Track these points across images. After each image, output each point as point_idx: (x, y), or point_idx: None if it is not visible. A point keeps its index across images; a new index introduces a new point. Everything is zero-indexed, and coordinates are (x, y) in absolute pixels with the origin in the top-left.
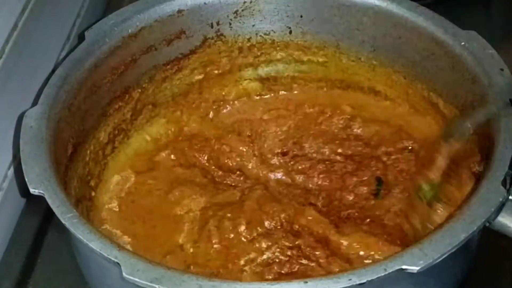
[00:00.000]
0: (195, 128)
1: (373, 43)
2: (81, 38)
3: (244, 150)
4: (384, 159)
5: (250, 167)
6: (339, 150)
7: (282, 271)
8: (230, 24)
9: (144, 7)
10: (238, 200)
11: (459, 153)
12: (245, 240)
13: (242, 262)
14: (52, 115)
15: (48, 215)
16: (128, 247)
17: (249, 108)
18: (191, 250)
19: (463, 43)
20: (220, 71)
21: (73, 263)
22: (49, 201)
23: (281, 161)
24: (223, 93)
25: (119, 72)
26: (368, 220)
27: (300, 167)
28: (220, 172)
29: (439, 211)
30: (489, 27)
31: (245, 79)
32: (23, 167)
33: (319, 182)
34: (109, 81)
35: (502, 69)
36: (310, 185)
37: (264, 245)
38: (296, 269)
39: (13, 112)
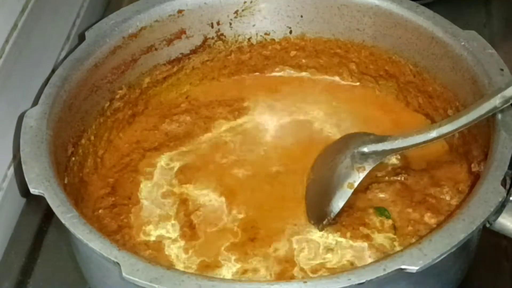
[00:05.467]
0: None
1: (373, 43)
2: (81, 38)
3: None
4: None
5: None
6: None
7: None
8: (230, 24)
9: (144, 7)
10: None
11: None
12: None
13: None
14: (52, 115)
15: (48, 215)
16: None
17: None
18: None
19: (463, 43)
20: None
21: (73, 263)
22: (49, 201)
23: None
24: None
25: (119, 72)
26: None
27: None
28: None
29: None
30: (489, 27)
31: None
32: (23, 167)
33: None
34: (109, 81)
35: (502, 69)
36: None
37: None
38: None
39: (13, 112)
